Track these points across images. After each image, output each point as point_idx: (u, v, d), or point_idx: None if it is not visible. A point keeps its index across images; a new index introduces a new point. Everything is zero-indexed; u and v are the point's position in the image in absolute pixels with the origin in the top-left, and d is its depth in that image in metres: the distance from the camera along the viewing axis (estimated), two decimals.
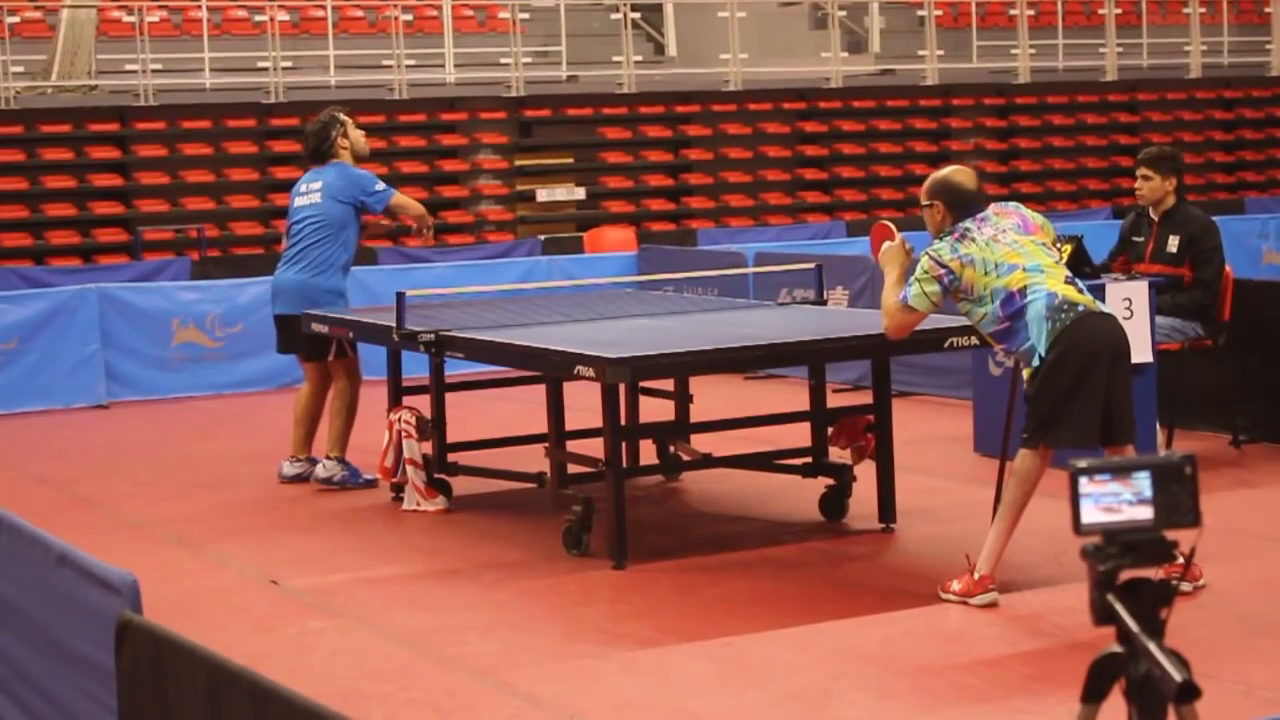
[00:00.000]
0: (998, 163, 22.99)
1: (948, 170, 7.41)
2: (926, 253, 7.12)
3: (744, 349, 8.18)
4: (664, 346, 8.08)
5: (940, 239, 7.15)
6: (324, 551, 8.61)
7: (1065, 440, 6.94)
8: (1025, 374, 7.05)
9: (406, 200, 10.45)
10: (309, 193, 10.28)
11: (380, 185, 10.23)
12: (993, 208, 7.27)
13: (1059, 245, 7.88)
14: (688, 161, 21.39)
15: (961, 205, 7.18)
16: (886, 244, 7.43)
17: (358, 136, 10.36)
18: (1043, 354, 6.90)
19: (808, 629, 6.89)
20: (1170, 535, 3.20)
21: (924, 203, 7.28)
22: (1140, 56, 23.99)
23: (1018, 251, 7.03)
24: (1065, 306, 6.88)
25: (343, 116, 10.36)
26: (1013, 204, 7.38)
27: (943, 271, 7.02)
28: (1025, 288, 6.92)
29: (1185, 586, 7.06)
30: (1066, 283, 7.00)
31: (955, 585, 7.14)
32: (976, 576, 7.08)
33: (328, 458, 10.12)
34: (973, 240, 7.05)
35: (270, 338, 13.96)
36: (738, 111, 21.57)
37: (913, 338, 8.42)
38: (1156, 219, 10.02)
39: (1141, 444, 7.90)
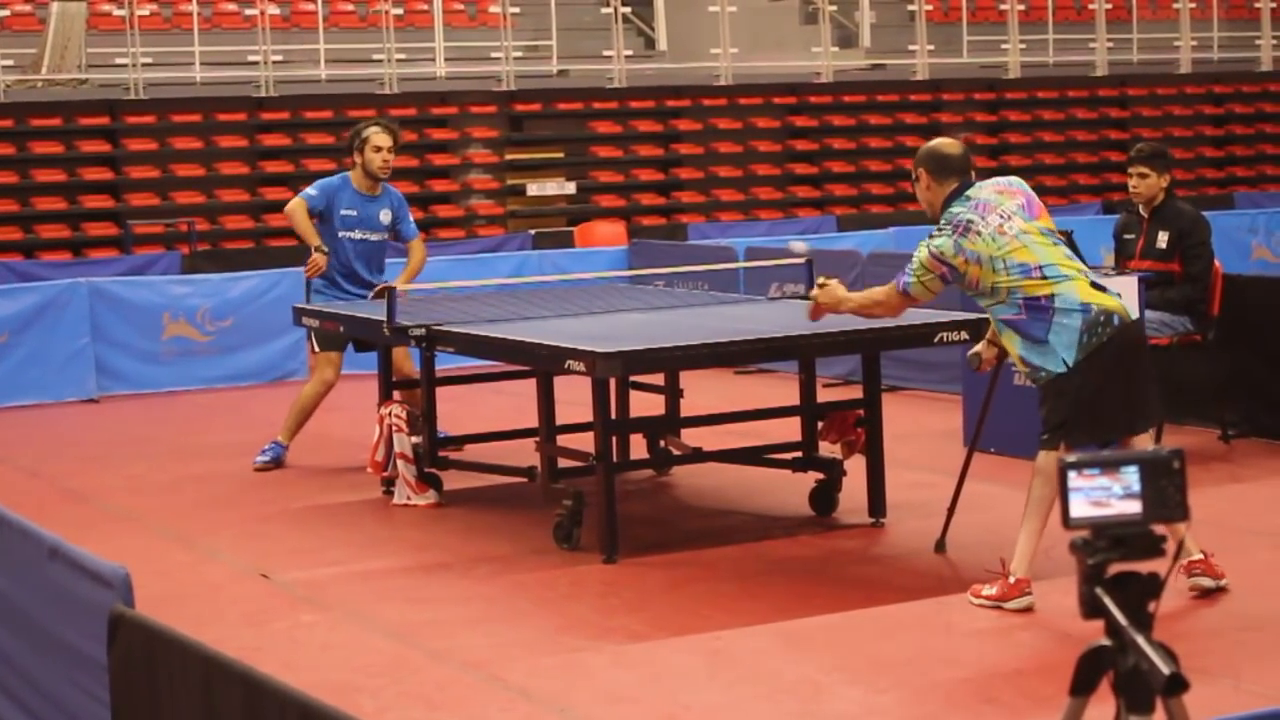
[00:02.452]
0: (988, 157, 23.00)
1: (932, 141, 7.30)
2: (926, 246, 6.91)
3: (734, 344, 8.19)
4: (654, 341, 8.09)
5: (941, 231, 6.92)
6: (315, 545, 8.62)
7: (1090, 439, 6.78)
8: (1026, 371, 6.93)
9: (290, 206, 10.60)
10: None
11: (306, 190, 10.59)
12: (994, 184, 7.04)
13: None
14: (678, 156, 21.40)
15: (945, 171, 7.03)
16: (819, 295, 7.36)
17: (371, 157, 10.43)
18: (1069, 361, 6.72)
19: (798, 623, 6.91)
20: (1159, 530, 3.22)
21: (912, 176, 7.22)
22: (1130, 52, 24.01)
23: (1027, 248, 6.79)
24: (1102, 319, 6.70)
25: (367, 133, 10.50)
26: (1016, 180, 7.16)
27: (945, 269, 6.86)
28: (1053, 295, 6.72)
29: (1208, 583, 7.05)
30: (1092, 285, 6.81)
31: (989, 590, 6.98)
32: (1013, 580, 6.92)
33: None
34: (978, 234, 6.82)
35: (260, 331, 14.10)
36: (728, 106, 21.59)
37: (903, 333, 8.48)
38: (1146, 216, 10.04)
39: None
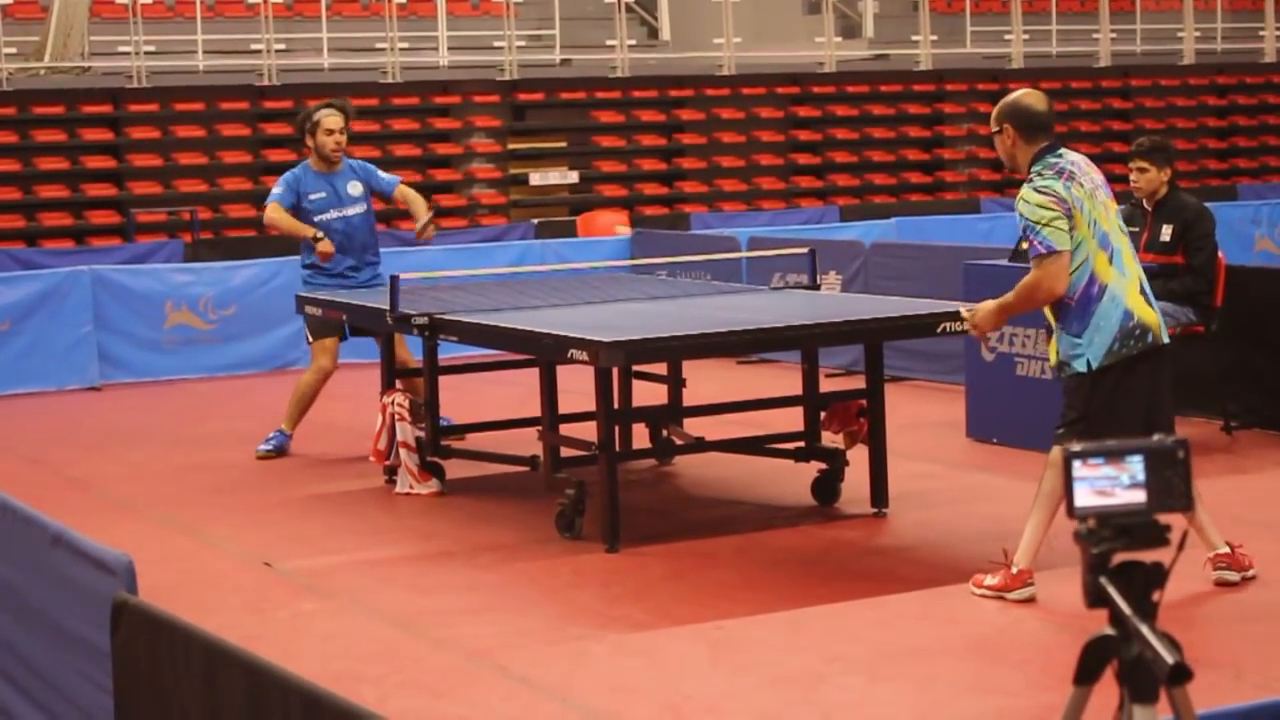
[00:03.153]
0: (990, 148, 22.94)
1: (1017, 93, 6.98)
2: (1033, 187, 6.65)
3: (737, 333, 8.18)
4: (657, 330, 8.09)
5: (1042, 175, 6.70)
6: (317, 533, 8.62)
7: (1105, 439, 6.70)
8: (1054, 365, 6.85)
9: (267, 214, 10.54)
10: None
11: (272, 192, 10.55)
12: (1082, 158, 6.88)
13: None
14: (681, 146, 21.38)
15: (1033, 128, 6.77)
16: (968, 319, 7.02)
17: (324, 140, 10.46)
18: (1093, 364, 6.64)
19: (800, 613, 6.91)
20: (1163, 519, 3.22)
21: (993, 129, 6.90)
22: (1134, 42, 24.00)
23: (1108, 219, 6.71)
24: (1137, 333, 6.63)
25: (318, 115, 10.52)
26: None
27: (1064, 204, 6.57)
28: (1107, 287, 6.61)
29: (1232, 577, 7.07)
30: (1140, 291, 6.70)
31: (990, 580, 6.98)
32: (1015, 571, 6.92)
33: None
34: (1080, 185, 6.67)
35: (262, 320, 14.10)
36: (731, 96, 21.57)
37: (906, 323, 8.47)
38: (1150, 209, 10.04)
39: None
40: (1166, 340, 6.80)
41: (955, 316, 8.16)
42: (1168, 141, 10.31)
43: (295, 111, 19.24)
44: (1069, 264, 6.63)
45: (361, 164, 10.70)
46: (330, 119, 10.47)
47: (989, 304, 6.94)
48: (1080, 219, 6.63)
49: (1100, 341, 6.65)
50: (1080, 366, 6.71)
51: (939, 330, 8.25)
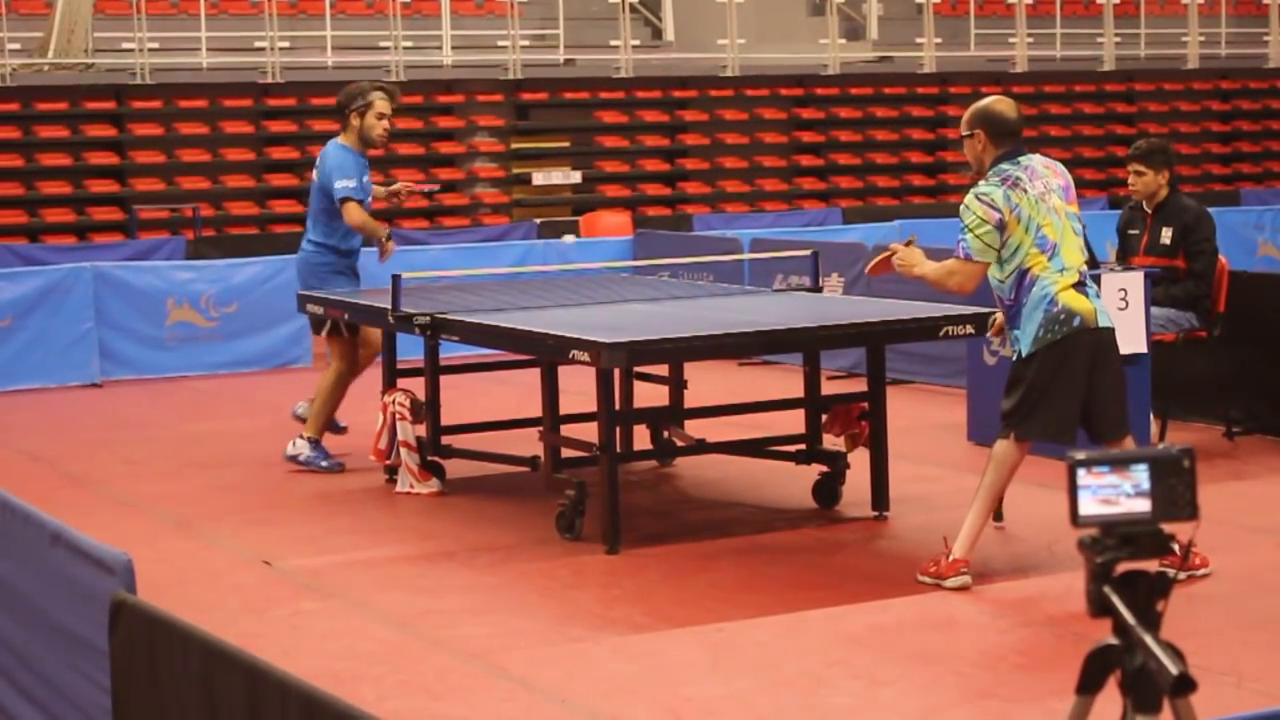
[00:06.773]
0: None
1: (988, 99, 7.31)
2: (976, 195, 7.00)
3: (739, 335, 8.18)
4: (659, 331, 8.08)
5: (988, 181, 7.03)
6: (317, 533, 8.61)
7: (1037, 434, 7.05)
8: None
9: (353, 217, 9.77)
10: (318, 165, 10.08)
11: (344, 184, 9.74)
12: (1041, 160, 7.20)
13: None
14: (684, 146, 21.36)
15: (1003, 134, 7.10)
16: (898, 253, 7.31)
17: (372, 123, 9.86)
18: (1023, 352, 6.97)
19: (800, 615, 6.90)
20: (1167, 528, 3.20)
21: (964, 133, 7.20)
22: (1138, 47, 23.97)
23: (1053, 225, 6.97)
24: (1063, 318, 6.91)
25: (372, 96, 9.86)
26: (1061, 165, 7.30)
27: (997, 215, 6.92)
28: (1038, 279, 6.92)
29: (1180, 575, 7.09)
30: (1076, 286, 6.96)
31: (932, 568, 7.21)
32: (950, 559, 7.14)
33: (300, 436, 10.08)
34: (1024, 192, 6.97)
35: (264, 317, 14.08)
36: (735, 97, 21.54)
37: (908, 326, 8.47)
38: (1150, 211, 10.03)
39: (1136, 435, 7.89)
40: (1105, 325, 7.04)
41: (958, 321, 8.18)
42: (1165, 144, 10.30)
43: (299, 109, 19.37)
44: (980, 273, 7.04)
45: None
46: (382, 102, 9.86)
47: (919, 254, 7.26)
48: (1016, 226, 6.96)
49: (1030, 331, 6.96)
50: (1015, 358, 7.05)
51: (941, 334, 8.26)
